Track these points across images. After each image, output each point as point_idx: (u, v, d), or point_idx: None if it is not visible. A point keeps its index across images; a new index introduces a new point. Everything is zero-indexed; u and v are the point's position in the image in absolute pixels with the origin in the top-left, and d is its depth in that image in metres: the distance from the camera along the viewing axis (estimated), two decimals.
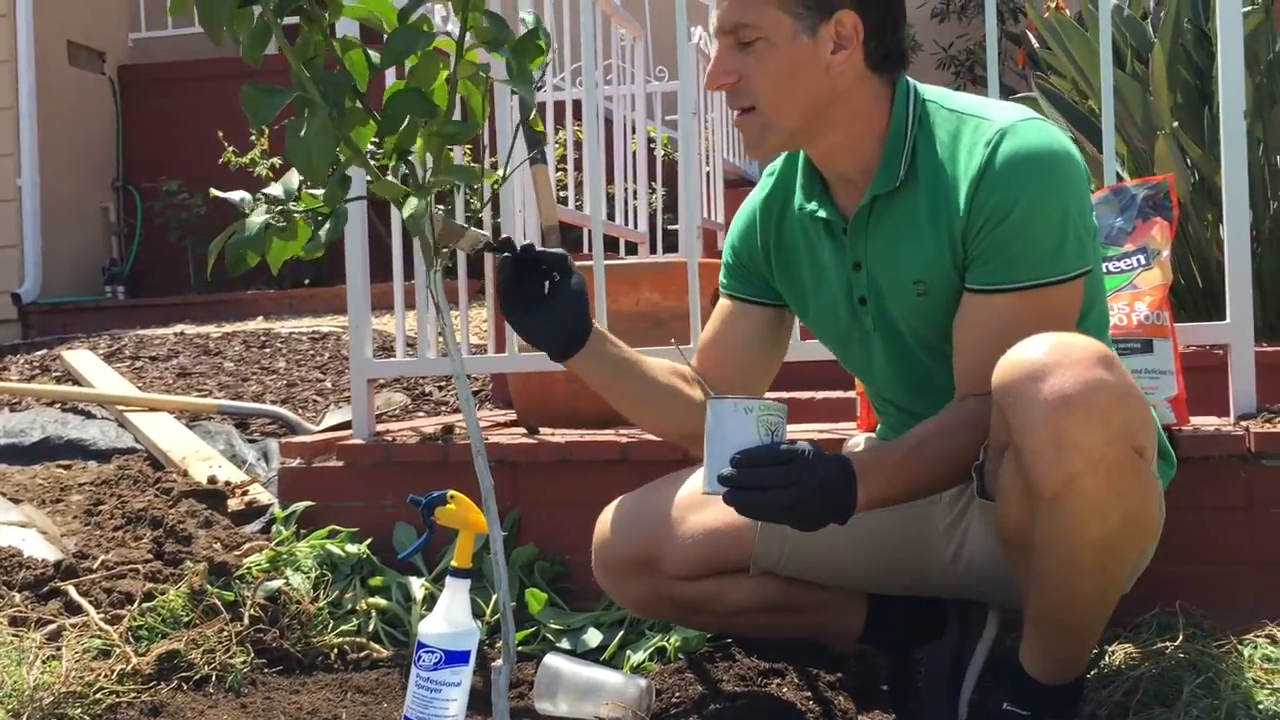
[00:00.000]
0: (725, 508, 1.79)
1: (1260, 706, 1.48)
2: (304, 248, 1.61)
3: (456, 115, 1.58)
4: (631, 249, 4.61)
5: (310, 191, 1.62)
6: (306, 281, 6.79)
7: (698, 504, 1.84)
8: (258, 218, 1.58)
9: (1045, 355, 1.45)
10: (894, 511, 1.76)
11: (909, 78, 1.71)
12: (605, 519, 1.89)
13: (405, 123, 1.54)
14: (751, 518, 1.60)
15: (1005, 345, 1.55)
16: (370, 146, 1.57)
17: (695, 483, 1.86)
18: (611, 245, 4.60)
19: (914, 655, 1.84)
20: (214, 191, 1.72)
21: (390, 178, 1.59)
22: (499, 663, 1.63)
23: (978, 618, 1.83)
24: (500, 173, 1.66)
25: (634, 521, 1.87)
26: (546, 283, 1.71)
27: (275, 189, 1.63)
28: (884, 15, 1.65)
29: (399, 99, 1.54)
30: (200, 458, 2.93)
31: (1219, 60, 2.19)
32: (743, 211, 1.88)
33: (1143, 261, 2.08)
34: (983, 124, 1.62)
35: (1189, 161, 3.29)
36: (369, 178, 1.56)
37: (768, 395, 1.58)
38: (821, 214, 1.73)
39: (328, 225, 1.59)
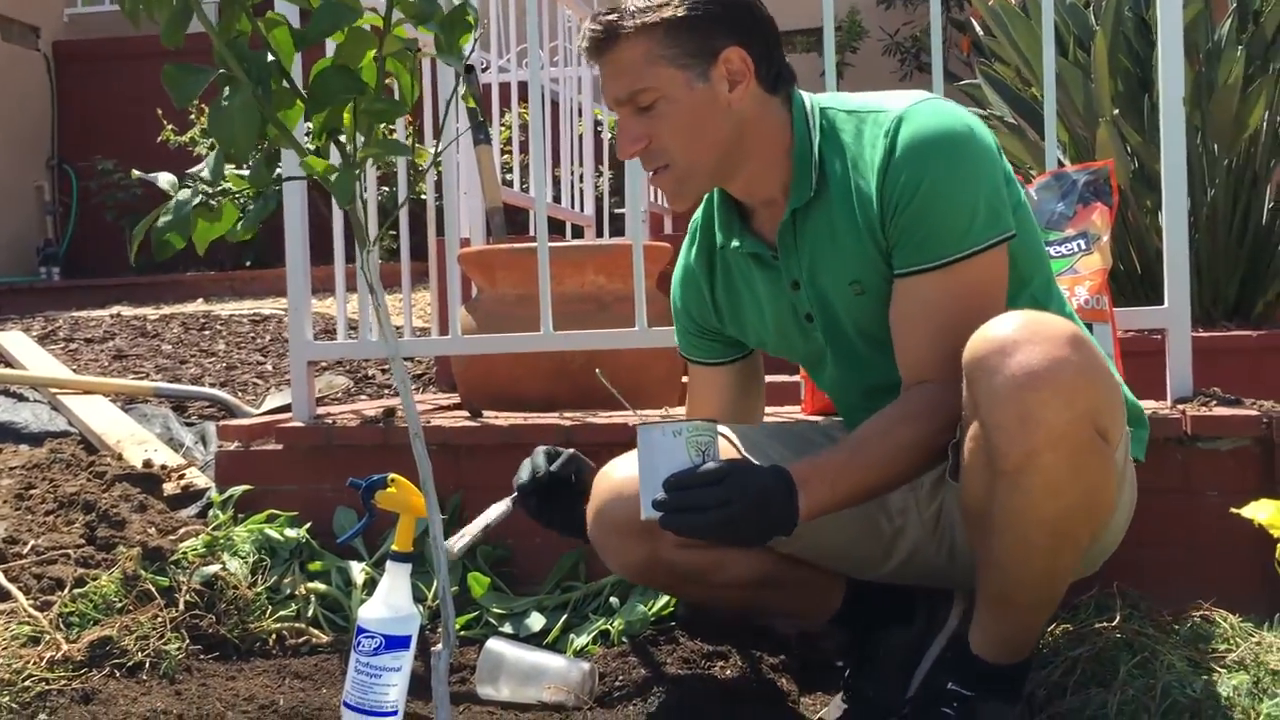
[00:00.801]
0: None
1: (1194, 686, 1.50)
2: (231, 229, 1.57)
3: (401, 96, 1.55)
4: (579, 233, 4.58)
5: (236, 173, 1.58)
6: (248, 263, 6.69)
7: None
8: (183, 199, 1.54)
9: (1015, 331, 1.46)
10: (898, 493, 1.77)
11: (801, 92, 1.74)
12: (612, 482, 1.82)
13: (333, 102, 1.52)
14: (691, 538, 1.60)
15: (936, 325, 1.58)
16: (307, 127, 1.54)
17: None
18: (558, 228, 4.58)
19: (875, 638, 1.84)
20: (136, 173, 1.68)
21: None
22: (439, 647, 1.61)
23: (943, 606, 1.84)
24: (433, 151, 1.63)
25: (625, 484, 1.80)
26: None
27: (202, 169, 1.59)
28: (765, 39, 1.67)
29: (326, 77, 1.51)
30: (135, 441, 2.87)
31: (1159, 48, 2.21)
32: (678, 275, 1.91)
33: (1083, 246, 2.10)
34: (879, 115, 1.65)
35: (1129, 149, 3.33)
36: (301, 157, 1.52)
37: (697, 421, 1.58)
38: (746, 249, 1.76)
39: (255, 206, 1.56)
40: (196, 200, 1.55)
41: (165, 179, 1.60)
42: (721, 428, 1.86)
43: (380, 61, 1.50)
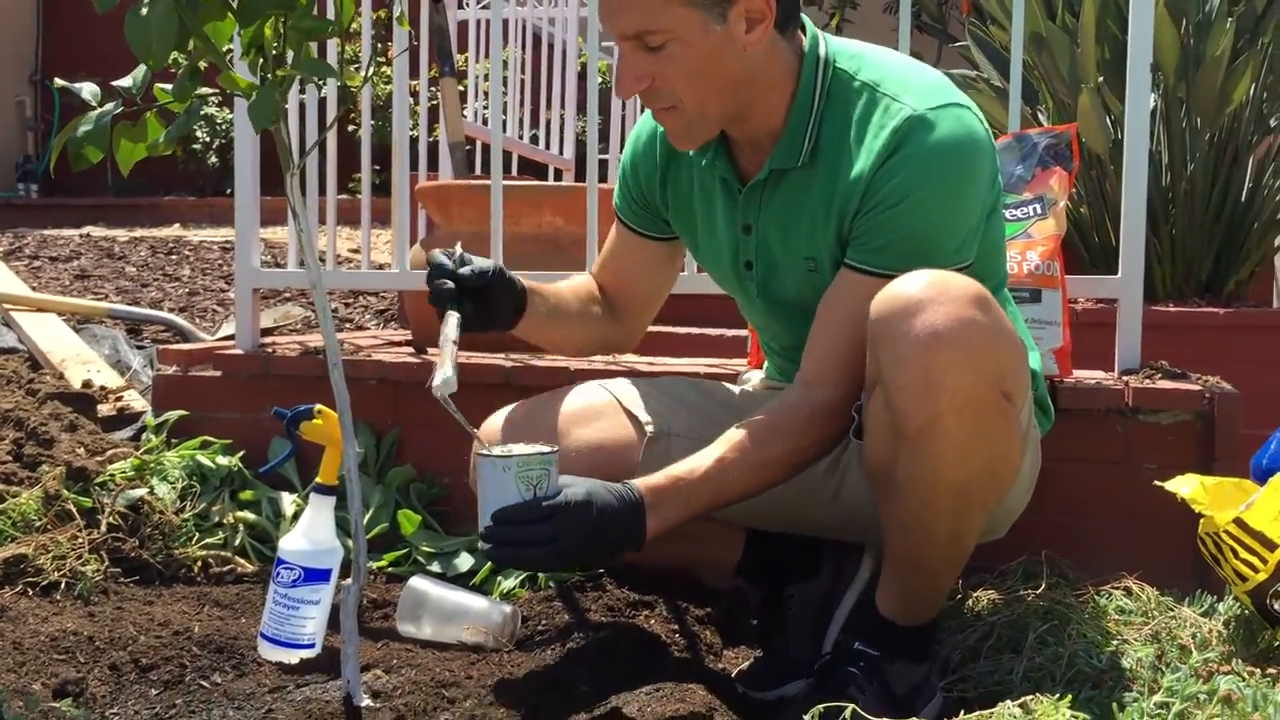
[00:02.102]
0: (612, 422, 1.79)
1: (1102, 655, 1.49)
2: (150, 146, 1.52)
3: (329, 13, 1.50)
4: (559, 177, 4.53)
5: (161, 86, 1.53)
6: (229, 191, 6.63)
7: (584, 418, 1.80)
8: (101, 111, 1.49)
9: (921, 291, 1.43)
10: None
11: (818, 31, 1.64)
12: (488, 430, 1.82)
13: (261, 15, 1.46)
14: (519, 569, 1.58)
15: (854, 332, 1.53)
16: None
17: (582, 396, 1.85)
18: (539, 171, 4.52)
19: (786, 592, 1.82)
20: (59, 81, 1.63)
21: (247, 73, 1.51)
22: (348, 581, 1.59)
23: (853, 560, 1.82)
24: (365, 74, 1.58)
25: (519, 431, 1.80)
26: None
27: (125, 81, 1.54)
28: None
29: None
30: (80, 361, 2.84)
31: (1130, 15, 2.16)
32: (638, 140, 1.82)
33: (1039, 210, 2.06)
34: (893, 105, 1.56)
35: (1111, 118, 3.28)
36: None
37: (541, 448, 1.53)
38: (719, 171, 1.70)
39: (177, 121, 1.51)
40: (116, 111, 1.51)
41: (88, 89, 1.56)
42: (604, 389, 1.85)
43: None
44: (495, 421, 1.85)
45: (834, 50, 1.63)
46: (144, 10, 1.36)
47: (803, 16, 1.65)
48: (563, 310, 1.85)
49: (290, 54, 1.49)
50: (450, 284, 1.66)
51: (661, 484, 1.55)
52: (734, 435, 1.59)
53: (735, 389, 1.93)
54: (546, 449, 1.52)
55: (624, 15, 1.54)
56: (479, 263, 1.70)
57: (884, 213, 1.54)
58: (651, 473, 1.75)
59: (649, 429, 1.77)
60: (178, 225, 5.81)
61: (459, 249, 1.71)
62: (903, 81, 1.59)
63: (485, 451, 1.53)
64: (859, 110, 1.58)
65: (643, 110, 1.77)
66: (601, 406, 1.81)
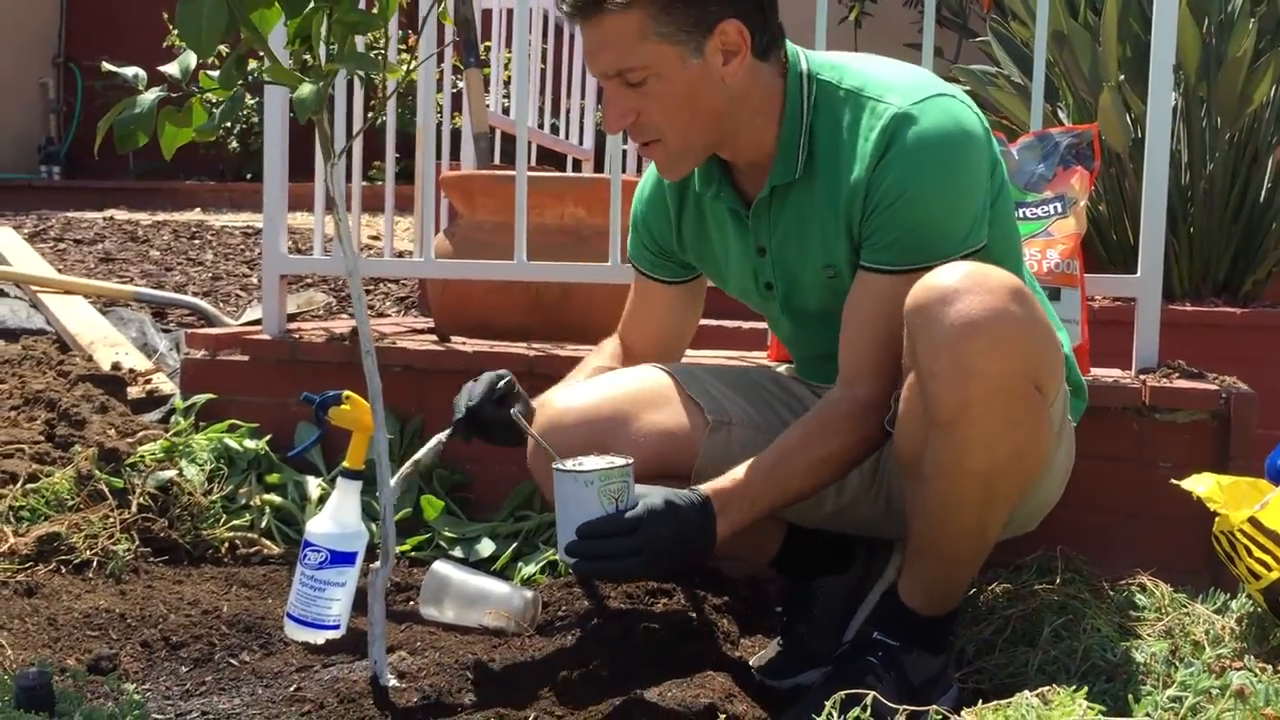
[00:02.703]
0: (676, 410, 1.81)
1: (1116, 650, 1.51)
2: (197, 131, 1.55)
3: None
4: (579, 167, 4.54)
5: (208, 73, 1.56)
6: (249, 176, 6.67)
7: (653, 402, 1.81)
8: (150, 95, 1.52)
9: (958, 281, 1.46)
10: None
11: (797, 49, 1.67)
12: (552, 410, 1.81)
13: (308, 7, 1.49)
14: (606, 581, 1.65)
15: (884, 329, 1.57)
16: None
17: (645, 380, 1.85)
18: (559, 162, 4.54)
19: (815, 584, 1.85)
20: (106, 65, 1.66)
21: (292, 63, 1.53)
22: (375, 564, 1.62)
23: (882, 557, 1.84)
24: (405, 67, 1.61)
25: (586, 413, 1.80)
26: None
27: (171, 68, 1.57)
28: (760, 5, 1.60)
29: None
30: (108, 343, 2.88)
31: (1153, 14, 2.17)
32: (646, 191, 1.86)
33: (1059, 209, 2.08)
34: (878, 106, 1.59)
35: (1132, 116, 3.29)
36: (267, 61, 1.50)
37: (615, 459, 1.54)
38: (723, 201, 1.73)
39: (222, 108, 1.54)
40: (160, 96, 1.53)
41: (132, 72, 1.59)
42: (665, 373, 1.86)
43: None
44: (555, 402, 1.83)
45: (815, 64, 1.67)
46: (194, 4, 1.38)
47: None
48: None
49: (333, 47, 1.52)
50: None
51: (727, 488, 1.58)
52: (789, 437, 1.63)
53: (782, 375, 1.94)
54: (622, 461, 1.53)
55: (603, 54, 1.59)
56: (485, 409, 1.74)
57: (885, 211, 1.58)
58: (711, 461, 1.78)
59: (710, 418, 1.80)
60: (198, 209, 5.85)
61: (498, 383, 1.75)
62: (885, 83, 1.62)
63: (565, 467, 1.54)
64: (848, 117, 1.61)
65: None
66: (666, 392, 1.82)
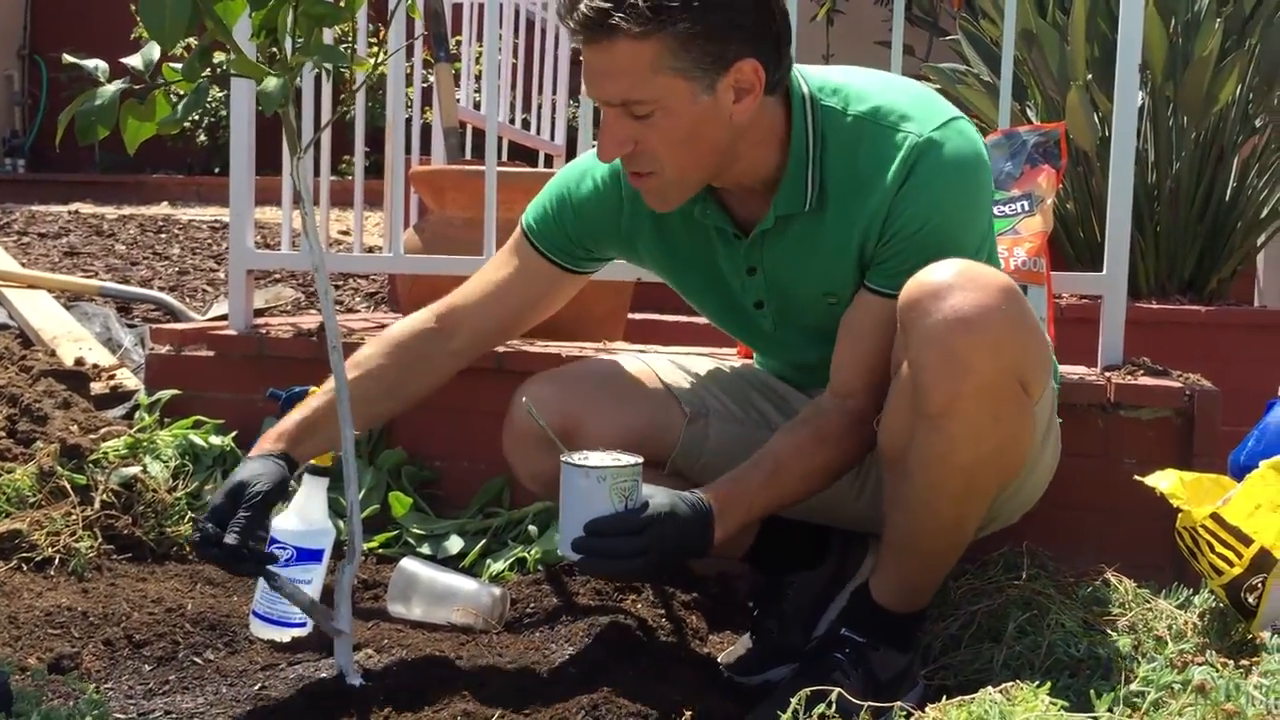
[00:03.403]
0: (654, 401, 1.80)
1: (1080, 645, 1.53)
2: (160, 124, 1.54)
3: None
4: (550, 162, 4.53)
5: (171, 65, 1.54)
6: (217, 169, 6.61)
7: (626, 391, 1.81)
8: (110, 88, 1.50)
9: (952, 278, 1.46)
10: None
11: (797, 73, 1.61)
12: (528, 390, 1.81)
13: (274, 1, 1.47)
14: (609, 579, 1.62)
15: (881, 348, 1.58)
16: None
17: (623, 368, 1.85)
18: (530, 157, 4.53)
19: (788, 580, 1.85)
20: (67, 57, 1.64)
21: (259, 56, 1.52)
22: (342, 562, 1.61)
23: (856, 554, 1.85)
24: (374, 60, 1.60)
25: (560, 395, 1.80)
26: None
27: (134, 59, 1.55)
28: (776, 44, 1.54)
29: None
30: (71, 339, 2.85)
31: (1120, 14, 2.18)
32: (595, 174, 1.74)
33: (1026, 208, 2.09)
34: (898, 135, 1.55)
35: (1099, 115, 3.32)
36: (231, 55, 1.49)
37: (621, 456, 1.53)
38: (713, 222, 1.69)
39: (186, 100, 1.52)
40: (122, 88, 1.51)
41: (93, 63, 1.57)
42: (643, 363, 1.86)
43: None
44: (527, 388, 1.81)
45: (814, 86, 1.61)
46: None
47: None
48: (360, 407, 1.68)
49: (301, 39, 1.50)
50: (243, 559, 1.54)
51: (725, 493, 1.57)
52: (784, 443, 1.62)
53: (761, 372, 1.93)
54: (632, 460, 1.52)
55: (611, 84, 1.51)
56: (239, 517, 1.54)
57: (904, 240, 1.56)
58: (688, 452, 1.79)
59: (688, 409, 1.80)
60: (165, 203, 5.80)
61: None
62: (896, 107, 1.58)
63: (577, 462, 1.52)
64: (863, 146, 1.57)
65: None
66: (644, 381, 1.82)
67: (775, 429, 1.74)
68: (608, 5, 1.46)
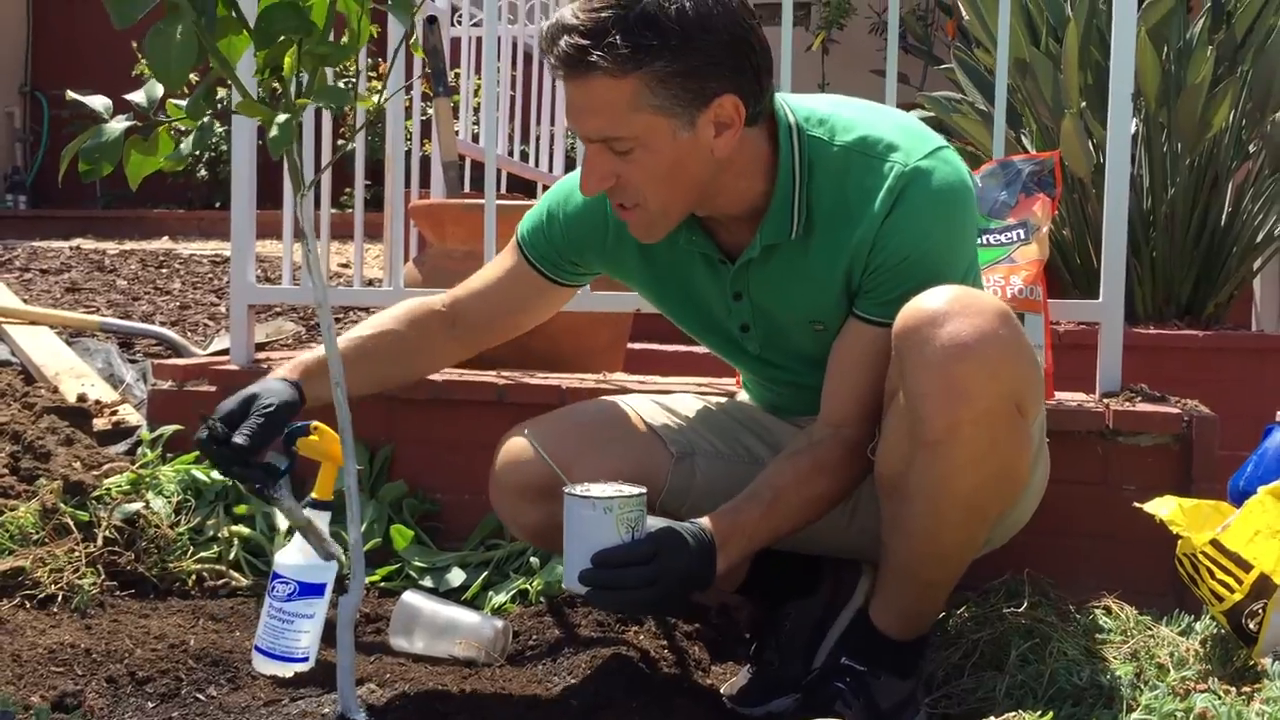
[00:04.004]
0: (640, 443, 1.80)
1: (1082, 673, 1.53)
2: (164, 160, 1.55)
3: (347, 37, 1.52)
4: None
5: (175, 102, 1.56)
6: (218, 204, 6.64)
7: (611, 437, 1.81)
8: (116, 125, 1.52)
9: (947, 304, 1.47)
10: None
11: (779, 97, 1.62)
12: (512, 443, 1.82)
13: (279, 39, 1.49)
14: (615, 612, 1.61)
15: (874, 377, 1.58)
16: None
17: (608, 413, 1.85)
18: (529, 189, 4.55)
19: (784, 610, 1.85)
20: (70, 94, 1.65)
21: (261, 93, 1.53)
22: (345, 597, 1.61)
23: (850, 580, 1.85)
24: (377, 98, 1.61)
25: (544, 447, 1.78)
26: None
27: (138, 96, 1.56)
28: (755, 77, 1.54)
29: (273, 12, 1.48)
30: (74, 375, 2.85)
31: (1112, 45, 2.20)
32: (584, 201, 1.74)
33: (1022, 236, 2.11)
34: (884, 165, 1.56)
35: (1094, 142, 3.34)
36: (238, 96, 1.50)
37: (623, 487, 1.53)
38: (698, 249, 1.70)
39: (190, 138, 1.54)
40: (126, 125, 1.53)
41: (99, 102, 1.58)
42: (627, 406, 1.85)
43: (332, 2, 1.47)
44: (511, 440, 1.83)
45: (801, 116, 1.62)
46: (170, 30, 1.37)
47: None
48: (367, 359, 1.80)
49: (304, 78, 1.51)
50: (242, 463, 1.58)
51: (726, 524, 1.56)
52: (782, 473, 1.62)
53: (747, 405, 1.94)
54: (636, 490, 1.52)
55: (591, 120, 1.53)
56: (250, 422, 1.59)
57: (890, 270, 1.57)
58: (676, 492, 1.79)
59: (674, 449, 1.80)
60: (166, 238, 5.82)
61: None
62: (883, 137, 1.59)
63: (582, 493, 1.51)
64: (850, 175, 1.58)
65: None
66: (629, 425, 1.82)
67: (762, 463, 1.74)
68: (586, 43, 1.47)
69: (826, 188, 1.60)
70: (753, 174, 1.61)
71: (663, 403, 1.88)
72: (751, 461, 1.80)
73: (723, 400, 1.96)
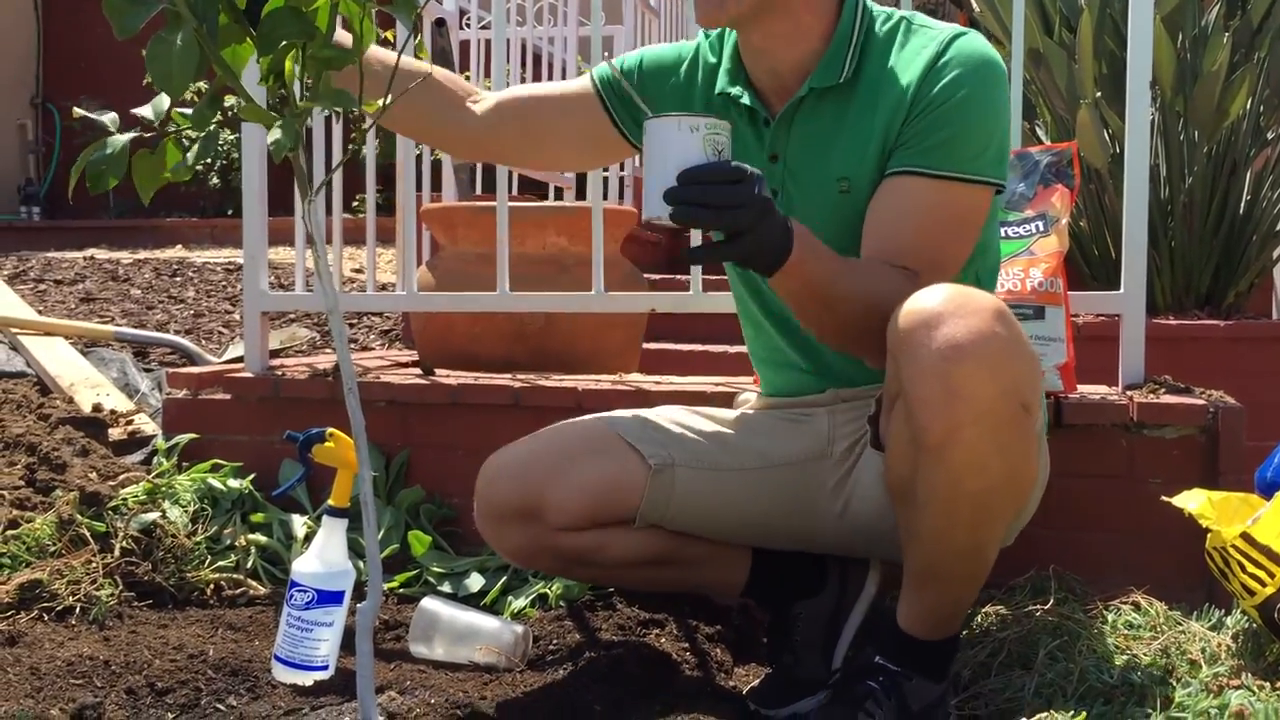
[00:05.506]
0: (611, 459, 1.78)
1: (1113, 671, 1.50)
2: (171, 171, 1.54)
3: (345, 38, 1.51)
4: (560, 196, 4.54)
5: (180, 111, 1.55)
6: (230, 211, 6.65)
7: (583, 454, 1.80)
8: (121, 137, 1.51)
9: (941, 304, 1.45)
10: (783, 467, 1.77)
11: None
12: (488, 467, 1.85)
13: (281, 44, 1.48)
14: (707, 228, 1.55)
15: (916, 225, 1.60)
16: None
17: (585, 431, 1.84)
18: (540, 190, 4.54)
19: (794, 610, 1.83)
20: (77, 110, 1.65)
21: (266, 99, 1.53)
22: (363, 604, 1.59)
23: (857, 575, 1.83)
24: (382, 101, 1.60)
25: (518, 469, 1.82)
26: None
27: (145, 110, 1.56)
28: None
29: (276, 18, 1.47)
30: (89, 385, 2.85)
31: (1129, 32, 2.18)
32: (666, 53, 1.86)
33: (1041, 228, 2.08)
34: (929, 30, 1.68)
35: (1109, 132, 3.31)
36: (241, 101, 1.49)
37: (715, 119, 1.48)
38: (745, 100, 1.74)
39: (196, 147, 1.53)
40: (132, 137, 1.52)
41: (107, 116, 1.58)
42: (602, 423, 1.82)
43: (333, 6, 1.46)
44: (490, 464, 1.87)
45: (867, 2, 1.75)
46: (171, 39, 1.36)
47: None
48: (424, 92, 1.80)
49: (308, 82, 1.51)
50: None
51: (801, 229, 1.51)
52: (855, 260, 1.62)
53: (732, 413, 1.92)
54: (725, 120, 1.47)
55: None
56: None
57: (934, 112, 1.61)
58: (656, 503, 1.78)
59: (652, 462, 1.78)
60: (180, 246, 5.83)
61: None
62: (928, 20, 1.72)
63: (667, 114, 1.48)
64: (900, 38, 1.69)
65: None
66: (603, 440, 1.81)
67: (751, 473, 1.76)
68: None
69: (879, 46, 1.69)
70: (818, 13, 1.68)
71: (644, 416, 1.86)
72: (739, 470, 1.78)
73: (715, 411, 1.93)
